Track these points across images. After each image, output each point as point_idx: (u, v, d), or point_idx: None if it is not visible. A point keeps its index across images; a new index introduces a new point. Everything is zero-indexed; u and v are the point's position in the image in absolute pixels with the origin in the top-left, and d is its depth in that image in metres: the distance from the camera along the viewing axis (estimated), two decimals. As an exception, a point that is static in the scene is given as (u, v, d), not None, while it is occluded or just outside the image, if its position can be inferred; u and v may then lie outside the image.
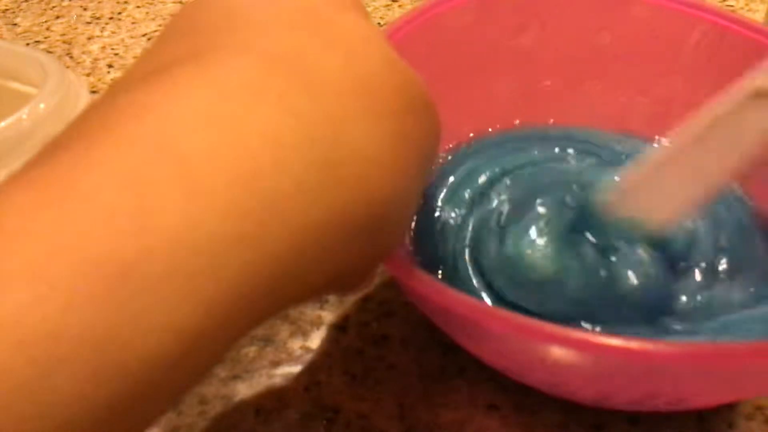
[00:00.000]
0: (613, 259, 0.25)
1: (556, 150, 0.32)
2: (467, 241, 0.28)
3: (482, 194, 0.30)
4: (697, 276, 0.27)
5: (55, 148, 0.14)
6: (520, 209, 0.28)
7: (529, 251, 0.26)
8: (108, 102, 0.15)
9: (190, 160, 0.14)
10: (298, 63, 0.16)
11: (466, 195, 0.30)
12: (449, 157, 0.32)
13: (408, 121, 0.18)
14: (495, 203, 0.29)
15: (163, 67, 0.16)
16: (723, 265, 0.28)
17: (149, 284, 0.13)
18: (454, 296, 0.20)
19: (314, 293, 0.18)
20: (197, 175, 0.14)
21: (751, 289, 0.27)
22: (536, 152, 0.32)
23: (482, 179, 0.31)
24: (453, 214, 0.29)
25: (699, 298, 0.26)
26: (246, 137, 0.15)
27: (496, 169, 0.31)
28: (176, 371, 0.13)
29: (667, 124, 0.33)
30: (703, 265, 0.27)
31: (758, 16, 0.48)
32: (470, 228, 0.28)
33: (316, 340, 0.28)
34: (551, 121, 0.34)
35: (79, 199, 0.13)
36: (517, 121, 0.34)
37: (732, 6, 0.49)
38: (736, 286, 0.27)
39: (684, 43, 0.33)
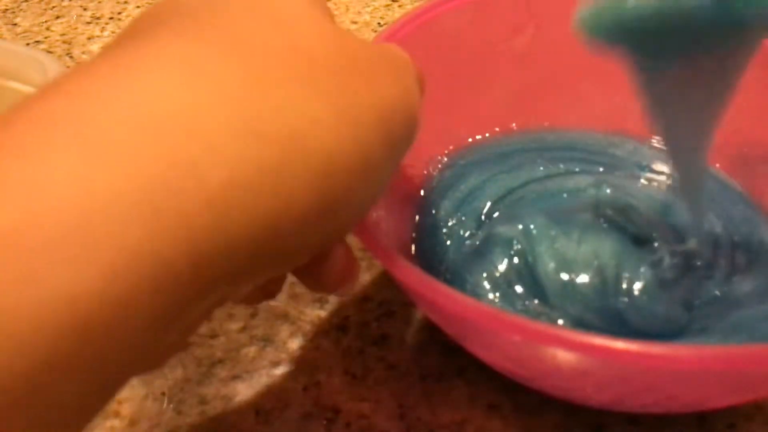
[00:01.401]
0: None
1: (561, 166, 0.33)
2: (480, 261, 0.28)
3: (490, 214, 0.30)
4: (719, 271, 0.28)
5: None
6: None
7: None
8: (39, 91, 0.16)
9: (88, 127, 0.14)
10: (223, 36, 0.17)
11: (474, 213, 0.30)
12: (450, 164, 0.32)
13: (352, 82, 0.18)
14: (504, 226, 0.29)
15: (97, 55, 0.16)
16: (740, 260, 0.28)
17: (36, 250, 0.12)
18: (476, 306, 0.20)
19: (259, 269, 0.17)
20: (95, 140, 0.14)
21: (763, 282, 0.27)
22: (541, 169, 0.32)
23: (489, 200, 0.31)
24: (461, 232, 0.30)
25: (717, 292, 0.27)
26: (150, 102, 0.15)
27: (502, 189, 0.31)
28: (91, 341, 0.13)
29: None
30: (723, 260, 0.28)
31: (758, 17, 0.48)
32: (479, 242, 0.28)
33: (316, 340, 0.28)
34: (547, 123, 0.34)
35: None
36: (514, 125, 0.34)
37: (732, 6, 0.49)
38: (750, 278, 0.28)
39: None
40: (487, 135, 0.34)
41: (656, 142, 0.33)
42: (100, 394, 0.14)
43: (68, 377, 0.13)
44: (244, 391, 0.27)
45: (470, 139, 0.33)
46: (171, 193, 0.14)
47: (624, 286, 0.26)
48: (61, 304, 0.12)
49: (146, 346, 0.14)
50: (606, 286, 0.25)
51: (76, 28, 0.49)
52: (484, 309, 0.20)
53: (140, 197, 0.13)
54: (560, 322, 0.25)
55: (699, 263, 0.28)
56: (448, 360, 0.27)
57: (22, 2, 0.52)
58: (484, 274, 0.27)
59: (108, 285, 0.13)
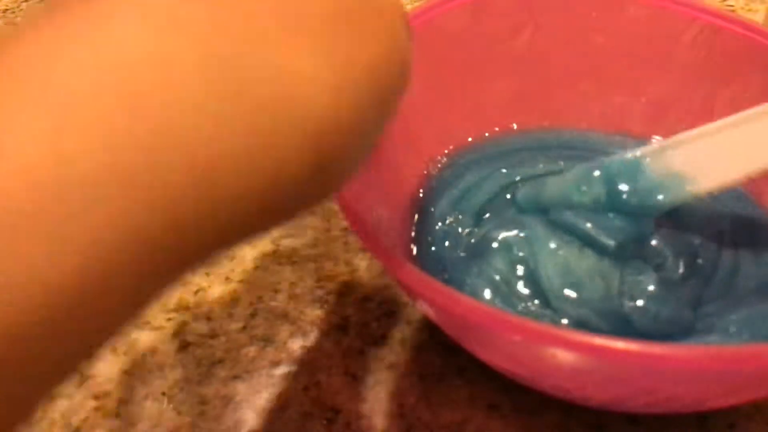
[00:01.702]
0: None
1: (561, 163, 0.32)
2: (476, 259, 0.28)
3: (487, 210, 0.30)
4: (722, 270, 0.28)
5: None
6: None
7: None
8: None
9: (58, 87, 0.12)
10: None
11: (472, 210, 0.30)
12: (449, 164, 0.32)
13: (345, 36, 0.16)
14: (503, 223, 0.29)
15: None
16: (743, 259, 0.28)
17: (2, 224, 0.11)
18: (476, 307, 0.20)
19: (247, 231, 0.16)
20: (66, 103, 0.12)
21: (766, 281, 0.28)
22: (541, 166, 0.32)
23: (486, 196, 0.31)
24: (459, 230, 0.29)
25: (720, 292, 0.27)
26: (127, 60, 0.13)
27: (500, 184, 0.31)
28: (67, 323, 0.12)
29: (664, 124, 0.34)
30: (726, 259, 0.28)
31: (758, 17, 0.48)
32: (477, 242, 0.28)
33: (316, 340, 0.28)
34: (547, 123, 0.34)
35: None
36: (515, 125, 0.34)
37: (732, 6, 0.49)
38: (753, 277, 0.28)
39: (678, 41, 0.33)
40: (487, 135, 0.34)
41: (656, 142, 0.33)
42: (65, 368, 0.13)
43: (38, 359, 0.12)
44: (244, 391, 0.27)
45: (470, 139, 0.33)
46: (150, 160, 0.13)
47: (628, 289, 0.25)
48: (35, 286, 0.11)
49: (126, 320, 0.14)
50: (610, 290, 0.25)
51: (76, 28, 0.49)
52: (484, 309, 0.20)
53: (118, 167, 0.12)
54: (564, 322, 0.25)
55: (702, 262, 0.28)
56: (448, 360, 0.27)
57: (22, 2, 0.52)
58: (484, 275, 0.27)
59: (85, 265, 0.12)
